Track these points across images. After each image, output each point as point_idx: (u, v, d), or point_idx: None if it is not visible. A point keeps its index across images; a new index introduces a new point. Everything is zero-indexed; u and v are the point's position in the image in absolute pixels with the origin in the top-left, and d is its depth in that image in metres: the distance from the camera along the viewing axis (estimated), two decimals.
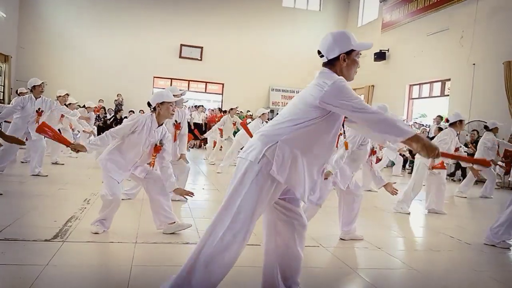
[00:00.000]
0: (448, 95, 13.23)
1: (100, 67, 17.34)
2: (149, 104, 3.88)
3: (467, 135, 11.44)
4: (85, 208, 4.71)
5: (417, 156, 6.07)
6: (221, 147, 11.67)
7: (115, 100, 17.10)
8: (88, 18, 17.35)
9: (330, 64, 2.32)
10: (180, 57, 18.37)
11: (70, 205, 4.78)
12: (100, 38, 17.38)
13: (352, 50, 2.29)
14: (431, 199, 6.16)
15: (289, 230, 2.36)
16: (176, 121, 5.40)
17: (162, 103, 3.80)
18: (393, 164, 11.28)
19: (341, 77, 2.21)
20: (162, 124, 3.89)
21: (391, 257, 3.78)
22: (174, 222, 3.93)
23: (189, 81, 18.78)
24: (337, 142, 3.63)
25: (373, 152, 4.45)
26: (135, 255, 3.27)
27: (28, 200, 5.08)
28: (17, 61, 16.59)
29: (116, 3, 17.61)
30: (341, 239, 4.18)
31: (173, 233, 3.92)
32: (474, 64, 12.09)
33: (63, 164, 8.66)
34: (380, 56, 16.21)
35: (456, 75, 12.79)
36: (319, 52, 2.35)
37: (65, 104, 8.13)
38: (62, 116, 8.56)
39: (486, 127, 8.60)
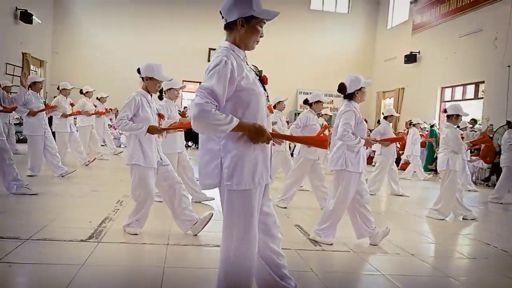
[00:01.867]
0: (482, 98, 12.88)
1: (130, 71, 17.64)
2: (138, 71, 3.95)
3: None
4: (118, 209, 4.81)
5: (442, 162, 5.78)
6: None
7: None
8: (118, 24, 17.73)
9: (229, 28, 2.14)
10: (209, 61, 18.50)
11: (103, 206, 4.88)
12: (129, 42, 17.72)
13: (253, 17, 2.07)
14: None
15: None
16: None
17: (151, 78, 3.87)
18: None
19: (223, 58, 2.01)
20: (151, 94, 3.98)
21: (424, 263, 3.70)
22: (197, 221, 3.95)
23: None
24: None
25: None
26: (167, 256, 3.31)
27: (63, 201, 5.23)
28: (51, 65, 17.11)
29: (146, 9, 17.93)
30: (371, 244, 4.12)
31: (199, 232, 3.94)
32: (509, 66, 11.73)
33: (94, 159, 8.89)
34: (411, 58, 15.92)
35: (490, 77, 12.44)
36: (220, 13, 2.16)
37: (83, 94, 9.31)
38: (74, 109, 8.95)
39: (509, 123, 8.22)
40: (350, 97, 3.98)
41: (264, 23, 2.14)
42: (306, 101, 5.95)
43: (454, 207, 5.76)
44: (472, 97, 13.57)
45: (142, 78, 3.93)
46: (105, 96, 10.91)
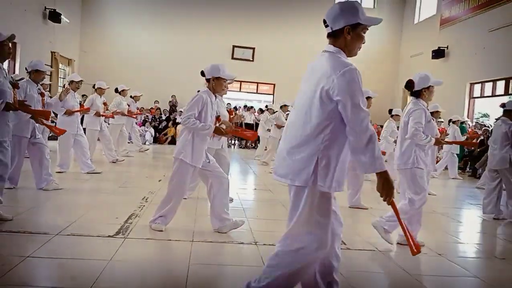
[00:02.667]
0: None
1: (155, 69, 17.89)
2: (202, 74, 3.99)
3: None
4: (144, 206, 4.88)
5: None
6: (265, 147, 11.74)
7: (169, 101, 17.60)
8: (144, 22, 17.94)
9: (334, 36, 2.21)
10: (233, 58, 18.60)
11: (129, 203, 4.96)
12: (155, 41, 17.92)
13: (359, 24, 2.17)
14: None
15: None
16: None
17: (217, 78, 3.90)
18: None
19: (351, 65, 2.09)
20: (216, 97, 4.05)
21: (452, 264, 3.62)
22: (230, 221, 3.97)
23: (241, 82, 18.96)
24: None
25: None
26: (192, 253, 3.34)
27: (90, 197, 5.34)
28: (79, 64, 17.47)
29: (171, 7, 18.09)
30: (398, 243, 4.05)
31: (226, 232, 3.96)
32: None
33: (123, 160, 9.01)
34: (439, 53, 15.58)
35: None
36: (324, 22, 2.23)
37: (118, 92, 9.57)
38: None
39: None
40: (417, 94, 3.94)
41: (367, 29, 2.26)
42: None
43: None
44: (503, 93, 13.18)
45: (208, 79, 3.96)
46: (139, 95, 11.13)
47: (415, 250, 2.15)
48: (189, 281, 2.77)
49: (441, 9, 16.09)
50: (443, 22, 15.93)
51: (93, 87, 8.42)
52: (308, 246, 2.13)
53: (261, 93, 19.67)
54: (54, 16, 14.52)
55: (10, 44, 3.97)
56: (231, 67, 18.56)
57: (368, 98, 5.73)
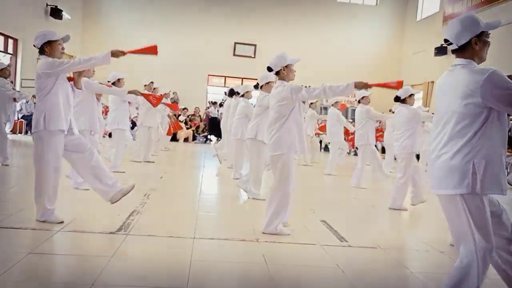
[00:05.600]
0: None
1: (156, 65, 17.90)
2: (270, 69, 4.01)
3: None
4: (145, 202, 4.88)
5: None
6: None
7: (171, 98, 17.58)
8: (146, 18, 17.93)
9: (461, 50, 2.32)
10: (234, 55, 18.58)
11: (131, 200, 4.93)
12: (156, 37, 17.82)
13: (482, 32, 2.30)
14: None
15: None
16: None
17: (286, 66, 3.92)
18: None
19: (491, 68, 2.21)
20: None
21: (454, 261, 3.60)
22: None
23: (242, 78, 18.94)
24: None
25: None
26: (194, 249, 3.34)
27: (92, 194, 5.31)
28: None
29: (173, 3, 18.08)
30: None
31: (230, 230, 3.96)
32: None
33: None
34: (441, 50, 15.49)
35: None
36: (446, 41, 2.36)
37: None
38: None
39: None
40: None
41: (490, 33, 2.35)
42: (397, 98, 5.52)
43: None
44: None
45: (277, 72, 3.96)
46: (168, 92, 11.20)
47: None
48: (191, 278, 2.77)
49: (444, 6, 16.03)
50: (446, 19, 15.86)
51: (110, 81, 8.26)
52: None
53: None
54: (56, 13, 14.50)
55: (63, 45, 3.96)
56: (233, 63, 18.67)
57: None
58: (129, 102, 7.83)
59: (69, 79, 3.94)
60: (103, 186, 3.84)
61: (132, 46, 4.23)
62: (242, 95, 7.01)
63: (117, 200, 3.85)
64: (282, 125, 3.80)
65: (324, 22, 18.36)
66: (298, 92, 3.76)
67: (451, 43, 2.32)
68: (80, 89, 4.02)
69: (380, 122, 11.51)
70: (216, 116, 16.40)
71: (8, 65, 7.20)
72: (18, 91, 7.31)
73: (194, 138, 16.03)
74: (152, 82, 9.10)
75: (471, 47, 2.28)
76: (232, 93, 8.57)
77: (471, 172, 2.10)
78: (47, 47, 3.75)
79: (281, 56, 3.96)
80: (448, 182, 2.15)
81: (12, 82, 7.16)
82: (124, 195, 3.87)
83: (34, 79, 3.78)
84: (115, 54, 3.71)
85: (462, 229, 2.18)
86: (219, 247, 3.54)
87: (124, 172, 6.79)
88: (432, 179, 2.25)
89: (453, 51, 2.34)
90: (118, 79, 7.05)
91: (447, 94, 2.27)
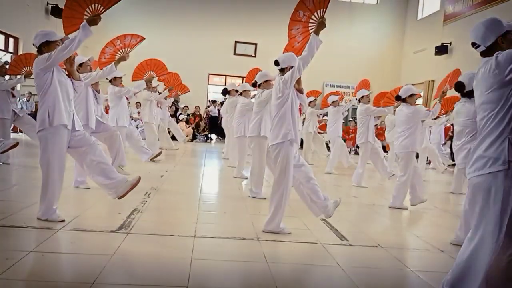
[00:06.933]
0: None
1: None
2: (276, 63, 4.16)
3: None
4: (146, 201, 4.89)
5: None
6: None
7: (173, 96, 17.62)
8: (146, 17, 17.91)
9: (488, 51, 2.44)
10: (235, 54, 18.58)
11: (132, 198, 4.93)
12: (157, 36, 17.88)
13: (507, 31, 2.44)
14: None
15: None
16: None
17: (293, 67, 4.02)
18: None
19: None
20: None
21: (454, 260, 3.61)
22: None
23: (243, 77, 18.92)
24: None
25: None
26: (194, 248, 3.35)
27: (93, 192, 5.33)
28: None
29: (172, 2, 18.07)
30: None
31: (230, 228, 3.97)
32: None
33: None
34: (442, 49, 15.50)
35: None
36: (473, 44, 2.49)
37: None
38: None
39: None
40: (469, 95, 3.98)
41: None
42: (398, 97, 5.45)
43: None
44: None
45: (282, 69, 4.06)
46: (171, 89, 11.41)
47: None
48: (192, 276, 2.78)
49: (445, 5, 16.01)
50: (447, 18, 15.85)
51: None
52: None
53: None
54: (56, 11, 14.49)
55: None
56: (233, 62, 18.66)
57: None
58: (126, 98, 7.91)
59: (67, 75, 3.95)
60: (110, 181, 3.82)
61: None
62: (240, 94, 7.07)
63: (125, 194, 3.83)
64: (280, 116, 3.88)
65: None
66: (288, 76, 3.92)
67: (478, 46, 2.46)
68: (78, 80, 4.03)
69: (380, 120, 11.48)
70: (216, 115, 16.41)
71: (5, 63, 7.13)
72: (10, 79, 7.14)
73: (194, 137, 16.03)
74: (151, 82, 9.16)
75: (498, 47, 2.41)
76: (225, 92, 8.71)
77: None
78: (44, 47, 3.75)
79: (293, 57, 4.08)
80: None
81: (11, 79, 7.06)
82: (132, 188, 3.85)
83: (34, 78, 3.79)
84: (92, 21, 3.83)
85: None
86: (220, 245, 3.54)
87: (123, 168, 6.84)
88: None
89: (481, 53, 2.48)
90: (115, 78, 7.09)
91: (478, 89, 2.44)
